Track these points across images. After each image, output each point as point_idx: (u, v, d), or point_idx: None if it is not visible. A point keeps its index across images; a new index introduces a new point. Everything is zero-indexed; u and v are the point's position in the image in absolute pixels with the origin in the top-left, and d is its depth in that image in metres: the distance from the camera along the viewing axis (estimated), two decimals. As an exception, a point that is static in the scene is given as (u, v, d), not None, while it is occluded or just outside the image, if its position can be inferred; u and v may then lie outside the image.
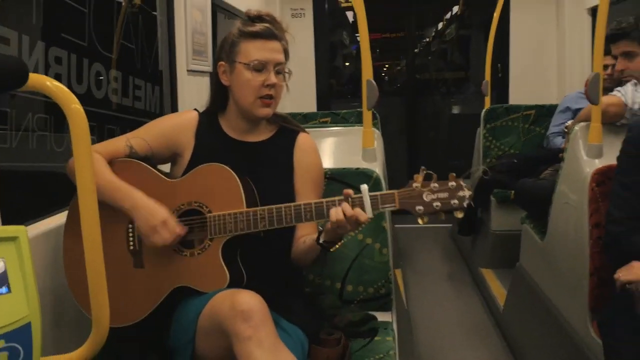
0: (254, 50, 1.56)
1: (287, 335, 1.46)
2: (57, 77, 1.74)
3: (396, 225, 4.75)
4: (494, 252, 3.62)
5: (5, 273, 0.92)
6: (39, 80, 0.99)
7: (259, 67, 1.56)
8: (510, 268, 2.95)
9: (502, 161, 3.57)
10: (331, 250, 1.51)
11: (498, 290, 3.26)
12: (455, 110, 6.47)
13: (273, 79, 1.56)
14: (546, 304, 2.36)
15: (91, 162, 1.06)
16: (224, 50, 1.61)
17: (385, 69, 7.58)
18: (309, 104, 4.87)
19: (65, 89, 1.01)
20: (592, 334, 1.90)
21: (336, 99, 6.07)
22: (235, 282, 1.46)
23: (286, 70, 1.62)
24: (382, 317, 1.83)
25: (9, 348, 0.90)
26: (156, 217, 1.46)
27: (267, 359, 1.26)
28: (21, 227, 0.95)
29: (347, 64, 7.13)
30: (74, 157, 1.04)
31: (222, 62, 1.61)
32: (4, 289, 0.91)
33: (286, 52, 1.63)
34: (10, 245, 0.93)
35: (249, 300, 1.31)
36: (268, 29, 1.58)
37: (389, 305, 1.92)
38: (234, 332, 1.28)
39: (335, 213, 1.40)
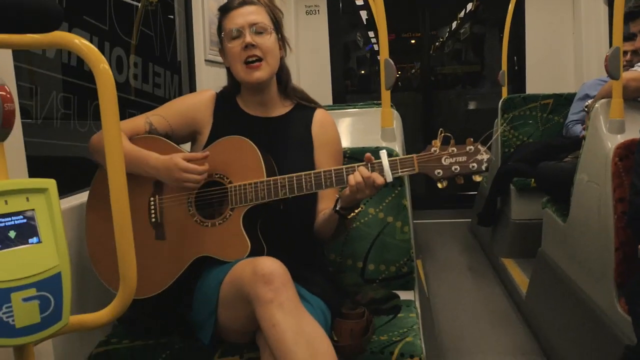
0: (228, 22, 1.60)
1: (309, 304, 1.45)
2: (80, 58, 1.77)
3: (415, 221, 4.74)
4: (515, 241, 3.58)
5: (35, 223, 0.93)
6: (68, 38, 1.01)
7: (235, 35, 1.57)
8: (531, 257, 2.91)
9: (521, 149, 3.55)
10: (348, 217, 1.51)
11: (520, 278, 3.22)
12: (472, 106, 6.45)
13: (248, 38, 1.55)
14: (570, 286, 2.32)
15: (118, 123, 1.07)
16: (218, 34, 1.65)
17: (399, 72, 7.57)
18: (326, 99, 4.89)
19: (94, 47, 1.02)
20: (619, 310, 1.87)
21: (351, 95, 6.09)
22: (256, 253, 1.47)
23: (270, 27, 1.59)
24: (404, 295, 1.82)
25: (40, 297, 0.91)
26: (173, 169, 1.47)
27: (288, 321, 1.26)
28: (50, 180, 0.96)
29: (361, 69, 7.13)
30: (101, 116, 1.05)
31: (220, 47, 1.64)
32: (34, 239, 0.93)
33: (273, 16, 1.62)
34: (40, 196, 0.94)
35: (270, 265, 1.31)
36: (241, 0, 1.60)
37: (411, 283, 1.91)
38: (255, 295, 1.29)
39: (354, 177, 1.41)
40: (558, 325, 2.46)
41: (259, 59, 1.57)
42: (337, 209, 1.50)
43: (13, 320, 0.88)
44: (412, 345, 1.47)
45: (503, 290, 3.38)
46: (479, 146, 1.39)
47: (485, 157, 1.39)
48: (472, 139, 1.41)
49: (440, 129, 1.40)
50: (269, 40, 1.58)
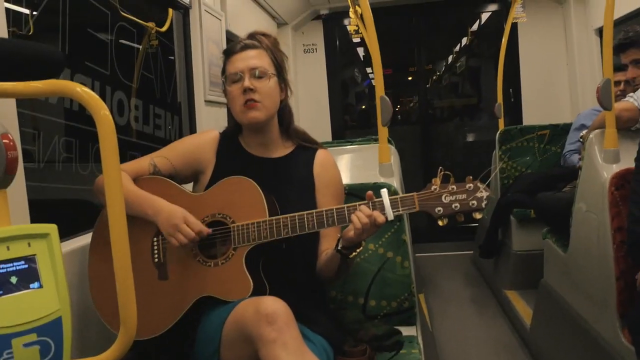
0: (230, 66, 1.63)
1: (311, 343, 1.45)
2: (82, 103, 1.81)
3: (417, 254, 4.73)
4: (517, 272, 3.57)
5: (36, 268, 0.95)
6: (70, 87, 1.04)
7: (236, 78, 1.61)
8: (534, 288, 2.90)
9: (520, 180, 3.56)
10: (350, 257, 1.52)
11: (524, 310, 3.20)
12: (470, 138, 6.50)
13: (246, 83, 1.59)
14: (574, 316, 2.31)
15: (118, 167, 1.10)
16: (222, 76, 1.69)
17: (397, 107, 7.64)
18: (325, 136, 4.94)
19: (95, 95, 1.05)
20: (623, 341, 1.86)
21: (350, 131, 6.15)
22: (259, 292, 1.47)
23: (270, 72, 1.62)
24: (406, 331, 1.81)
25: (41, 342, 0.92)
26: (176, 215, 1.49)
27: None
28: (52, 225, 0.98)
29: (360, 104, 7.21)
30: (102, 160, 1.08)
31: (224, 87, 1.68)
32: (35, 284, 0.94)
33: (275, 59, 1.65)
34: (41, 241, 0.96)
35: (273, 304, 1.31)
36: (243, 44, 1.64)
37: (413, 319, 1.90)
38: (258, 335, 1.28)
39: (358, 218, 1.43)
40: (562, 356, 2.43)
41: (256, 102, 1.60)
42: (339, 248, 1.51)
43: (14, 366, 0.88)
44: (415, 382, 1.47)
45: (507, 322, 3.35)
46: (479, 184, 1.42)
47: (484, 194, 1.41)
48: (471, 177, 1.43)
49: (440, 167, 1.43)
50: (268, 85, 1.61)
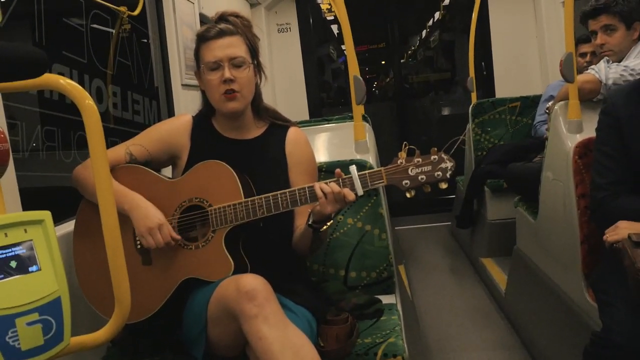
0: (207, 52, 1.64)
1: (293, 314, 1.52)
2: (61, 92, 1.84)
3: (397, 227, 4.84)
4: (492, 241, 3.70)
5: (34, 253, 1.01)
6: (53, 79, 1.09)
7: (214, 67, 1.63)
8: (509, 255, 3.03)
9: (493, 152, 3.68)
10: (320, 230, 1.58)
11: (499, 276, 3.33)
12: (445, 112, 6.60)
13: (227, 74, 1.61)
14: (544, 280, 2.44)
15: (105, 154, 1.15)
16: (195, 58, 1.71)
17: (375, 84, 7.70)
18: (302, 114, 4.99)
19: (78, 86, 1.10)
20: (587, 299, 1.98)
21: (327, 108, 6.20)
22: (240, 270, 1.53)
23: (248, 60, 1.64)
24: (386, 300, 1.90)
25: (43, 320, 0.99)
26: (153, 219, 1.54)
27: (274, 334, 1.33)
28: (46, 212, 1.03)
29: (336, 82, 7.25)
30: (89, 148, 1.13)
31: (197, 70, 1.70)
32: (34, 267, 1.00)
33: (250, 44, 1.67)
34: (37, 227, 1.02)
35: (252, 281, 1.38)
36: (219, 29, 1.64)
37: (392, 288, 1.99)
38: (240, 312, 1.35)
39: (320, 190, 1.49)
40: (535, 318, 2.57)
41: (234, 91, 1.63)
42: (310, 222, 1.58)
43: (19, 344, 0.95)
44: (395, 346, 1.56)
45: (484, 289, 3.49)
46: (443, 155, 1.50)
47: (449, 164, 1.49)
48: (436, 149, 1.51)
49: (405, 142, 1.50)
50: (247, 75, 1.65)
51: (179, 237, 1.57)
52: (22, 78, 0.98)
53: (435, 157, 1.50)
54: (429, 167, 1.50)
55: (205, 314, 1.48)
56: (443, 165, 1.49)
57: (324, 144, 2.60)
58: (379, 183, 1.51)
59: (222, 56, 1.62)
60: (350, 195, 1.49)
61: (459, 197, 4.44)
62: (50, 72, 1.77)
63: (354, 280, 1.97)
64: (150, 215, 1.54)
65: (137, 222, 1.55)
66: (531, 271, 2.61)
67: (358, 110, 2.31)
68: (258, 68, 1.72)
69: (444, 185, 1.50)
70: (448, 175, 1.49)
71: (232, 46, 1.63)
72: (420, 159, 1.50)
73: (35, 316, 0.97)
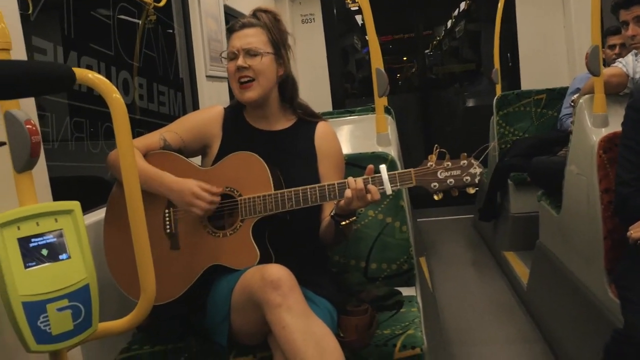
0: (230, 43, 1.71)
1: (315, 305, 1.55)
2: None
3: (419, 219, 4.84)
4: (515, 234, 3.67)
5: (64, 241, 1.05)
6: (83, 74, 1.12)
7: (232, 56, 1.69)
8: (531, 249, 3.01)
9: (517, 145, 3.64)
10: (342, 224, 1.59)
11: (521, 270, 3.32)
12: (470, 103, 6.54)
13: (240, 61, 1.66)
14: (567, 275, 2.42)
15: (132, 144, 1.18)
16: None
17: (398, 75, 7.65)
18: (325, 106, 5.00)
19: (106, 80, 1.13)
20: (610, 295, 1.96)
21: (351, 100, 6.19)
22: (265, 261, 1.56)
23: (264, 50, 1.67)
24: (406, 292, 1.91)
25: (72, 307, 1.03)
26: (186, 192, 1.58)
27: (297, 323, 1.36)
28: (75, 202, 1.07)
29: (360, 72, 7.22)
30: (116, 140, 1.16)
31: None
32: (64, 255, 1.04)
33: (271, 35, 1.70)
34: (67, 217, 1.06)
35: (277, 271, 1.41)
36: (241, 22, 1.70)
37: (412, 280, 2.01)
38: (265, 300, 1.39)
39: (348, 190, 1.51)
40: (557, 312, 2.56)
41: (251, 79, 1.67)
42: (332, 214, 1.60)
43: (50, 329, 0.99)
44: (414, 337, 1.57)
45: (506, 282, 3.48)
46: (472, 160, 1.50)
47: (478, 170, 1.49)
48: (466, 154, 1.51)
49: (436, 145, 1.51)
50: (262, 63, 1.67)
51: (217, 189, 1.60)
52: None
53: (465, 162, 1.51)
54: (458, 172, 1.50)
55: (229, 302, 1.52)
56: (472, 170, 1.50)
57: (346, 135, 2.61)
58: (408, 184, 1.52)
59: (238, 46, 1.67)
60: (377, 195, 1.51)
61: (482, 189, 4.41)
62: (79, 65, 1.83)
63: (374, 271, 1.98)
64: (183, 189, 1.58)
65: (177, 203, 1.61)
66: (553, 266, 2.60)
67: (380, 102, 2.31)
68: (283, 60, 1.73)
69: (471, 191, 1.51)
70: (476, 181, 1.49)
71: (249, 36, 1.68)
72: (450, 163, 1.51)
73: (65, 302, 1.02)
